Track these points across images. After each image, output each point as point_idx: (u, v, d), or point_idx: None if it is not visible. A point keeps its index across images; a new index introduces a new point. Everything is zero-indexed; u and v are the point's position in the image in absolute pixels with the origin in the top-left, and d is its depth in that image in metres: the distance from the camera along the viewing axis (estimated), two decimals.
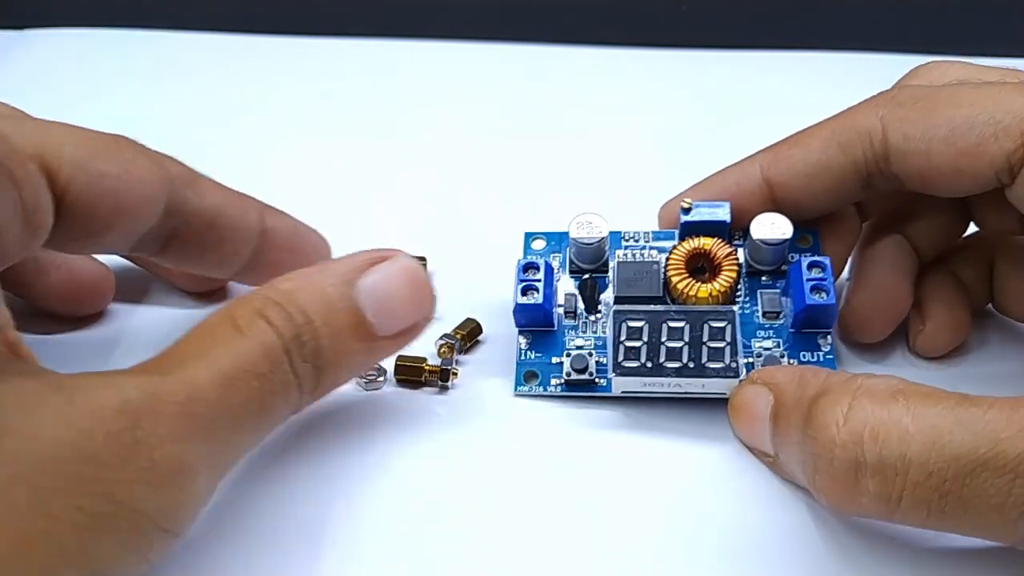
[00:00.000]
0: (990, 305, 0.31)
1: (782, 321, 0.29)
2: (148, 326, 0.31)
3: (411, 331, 0.24)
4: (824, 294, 0.27)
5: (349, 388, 0.28)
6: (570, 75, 0.47)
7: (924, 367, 0.30)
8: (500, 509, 0.25)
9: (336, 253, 0.34)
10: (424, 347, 0.29)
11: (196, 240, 0.27)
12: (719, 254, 0.28)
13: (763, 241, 0.28)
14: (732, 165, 0.30)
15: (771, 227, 0.28)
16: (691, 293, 0.28)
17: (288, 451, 0.26)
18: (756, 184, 0.29)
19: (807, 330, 0.29)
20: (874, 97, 0.28)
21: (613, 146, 0.41)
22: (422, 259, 0.34)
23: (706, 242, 0.29)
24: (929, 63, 0.29)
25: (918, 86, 0.28)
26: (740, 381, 0.26)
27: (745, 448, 0.27)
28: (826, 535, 0.25)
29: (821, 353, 0.28)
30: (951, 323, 0.30)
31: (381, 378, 0.28)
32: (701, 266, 0.29)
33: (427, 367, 0.29)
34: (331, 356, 0.23)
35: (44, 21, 0.49)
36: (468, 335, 0.30)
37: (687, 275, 0.28)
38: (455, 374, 0.29)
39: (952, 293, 0.30)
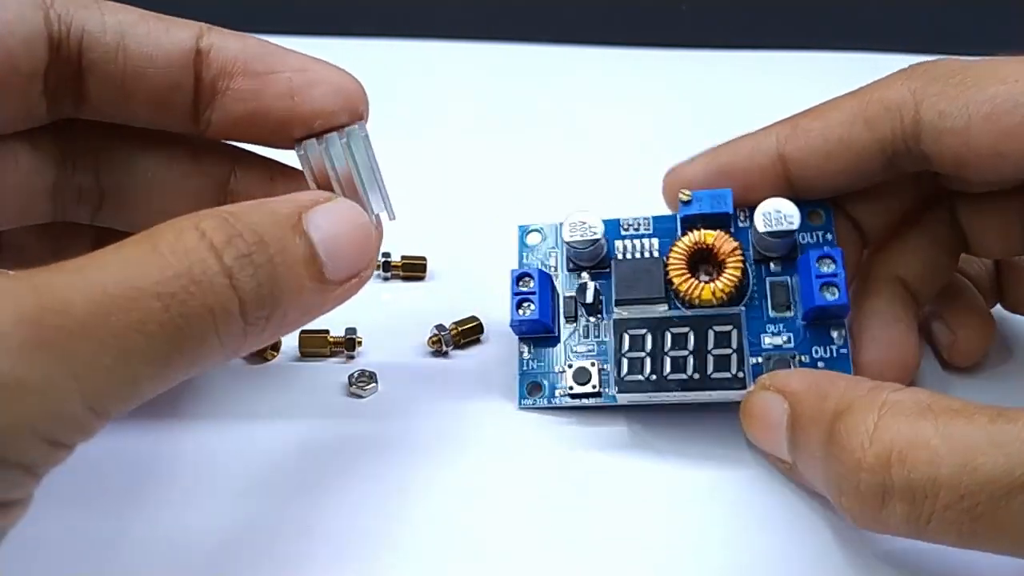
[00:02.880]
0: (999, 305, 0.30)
1: (792, 313, 0.27)
2: None
3: (355, 282, 0.22)
4: (836, 290, 0.26)
5: (338, 392, 0.28)
6: (570, 75, 0.47)
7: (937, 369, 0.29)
8: (502, 525, 0.25)
9: None
10: (418, 337, 0.29)
11: (108, 77, 0.23)
12: (723, 249, 0.27)
13: (769, 234, 0.27)
14: (746, 135, 0.28)
15: (777, 217, 0.27)
16: (695, 295, 0.26)
17: (283, 461, 0.26)
18: (770, 159, 0.27)
19: (819, 322, 0.27)
20: (904, 70, 0.26)
21: (613, 146, 0.41)
22: (422, 259, 0.34)
23: (708, 236, 0.27)
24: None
25: (953, 59, 0.25)
26: (749, 390, 0.25)
27: (755, 455, 0.26)
28: (839, 554, 0.24)
29: (835, 347, 0.27)
30: (979, 327, 0.28)
31: (372, 384, 0.28)
32: (705, 261, 0.27)
33: (331, 339, 0.29)
34: (286, 287, 0.20)
35: None
36: (464, 332, 0.30)
37: (689, 275, 0.27)
38: (359, 342, 0.29)
39: (971, 297, 0.29)
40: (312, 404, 0.28)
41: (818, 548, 0.24)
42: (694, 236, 0.27)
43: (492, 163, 0.41)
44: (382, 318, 0.31)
